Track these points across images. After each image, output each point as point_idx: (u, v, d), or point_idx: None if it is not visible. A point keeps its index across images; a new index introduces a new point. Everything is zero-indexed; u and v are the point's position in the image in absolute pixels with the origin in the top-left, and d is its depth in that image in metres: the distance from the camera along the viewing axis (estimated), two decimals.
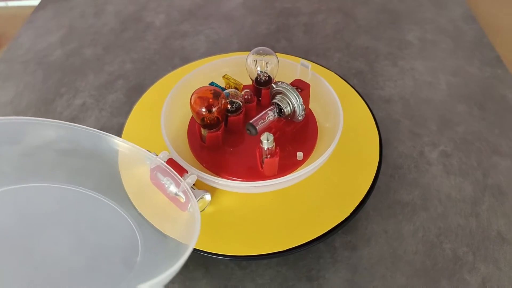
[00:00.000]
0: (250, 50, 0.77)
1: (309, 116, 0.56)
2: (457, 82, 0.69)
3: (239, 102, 0.53)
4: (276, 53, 0.56)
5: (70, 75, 0.72)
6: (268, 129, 0.52)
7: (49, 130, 0.46)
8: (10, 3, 0.95)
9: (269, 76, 0.56)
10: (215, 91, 0.50)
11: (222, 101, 0.50)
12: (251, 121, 0.50)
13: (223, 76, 0.57)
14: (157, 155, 0.47)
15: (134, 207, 0.46)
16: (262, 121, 0.51)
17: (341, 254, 0.48)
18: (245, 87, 0.57)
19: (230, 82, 0.56)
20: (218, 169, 0.51)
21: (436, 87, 0.68)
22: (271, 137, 0.47)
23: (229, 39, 0.79)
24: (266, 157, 0.48)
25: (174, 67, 0.72)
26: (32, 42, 0.80)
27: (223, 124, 0.52)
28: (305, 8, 0.86)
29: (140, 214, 0.45)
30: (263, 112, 0.51)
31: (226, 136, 0.54)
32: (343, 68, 0.71)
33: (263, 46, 0.77)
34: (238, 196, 0.49)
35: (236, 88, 0.56)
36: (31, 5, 0.93)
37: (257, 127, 0.50)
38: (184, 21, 0.84)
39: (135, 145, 0.47)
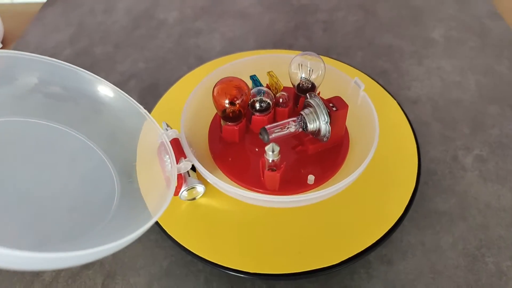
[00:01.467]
0: (267, 48, 0.74)
1: (343, 138, 0.50)
2: (487, 82, 0.66)
3: (269, 102, 0.49)
4: (333, 60, 0.52)
5: None
6: (288, 140, 0.48)
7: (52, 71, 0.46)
8: (16, 0, 0.92)
9: (312, 84, 0.50)
10: (239, 83, 0.47)
11: (244, 95, 0.46)
12: (266, 126, 0.45)
13: (268, 72, 0.51)
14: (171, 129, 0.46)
15: (135, 170, 0.45)
16: (280, 130, 0.45)
17: (376, 269, 0.45)
18: (285, 89, 0.52)
19: (272, 81, 0.51)
20: (223, 164, 0.48)
21: (465, 87, 0.65)
22: (277, 149, 0.42)
23: (246, 36, 0.76)
24: (269, 170, 0.44)
25: (190, 66, 0.69)
26: (40, 40, 0.77)
27: (244, 120, 0.49)
28: (323, 5, 0.82)
29: (134, 178, 0.45)
30: (285, 120, 0.46)
31: (247, 134, 0.50)
32: (367, 68, 0.68)
33: (281, 43, 0.74)
34: (269, 207, 0.45)
35: (276, 88, 0.51)
36: (38, 1, 0.90)
37: (270, 135, 0.45)
38: (198, 18, 0.80)
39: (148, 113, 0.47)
